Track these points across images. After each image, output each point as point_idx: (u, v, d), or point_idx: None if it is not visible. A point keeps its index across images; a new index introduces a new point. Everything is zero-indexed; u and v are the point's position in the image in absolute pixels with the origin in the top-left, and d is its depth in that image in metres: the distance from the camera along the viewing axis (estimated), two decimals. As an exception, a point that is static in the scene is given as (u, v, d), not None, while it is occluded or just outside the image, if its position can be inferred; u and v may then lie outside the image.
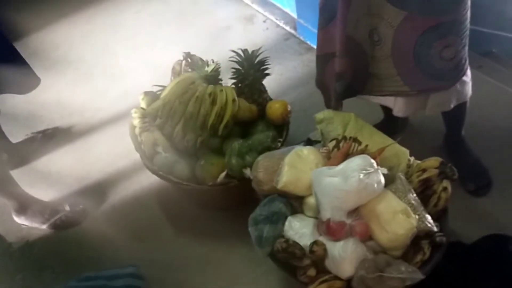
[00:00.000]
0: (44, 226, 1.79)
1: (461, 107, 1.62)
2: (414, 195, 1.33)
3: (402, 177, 1.36)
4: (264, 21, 2.62)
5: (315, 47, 2.35)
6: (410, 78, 1.46)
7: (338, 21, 1.40)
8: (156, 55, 2.52)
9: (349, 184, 1.25)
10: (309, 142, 1.58)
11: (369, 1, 1.37)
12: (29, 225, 1.79)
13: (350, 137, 1.48)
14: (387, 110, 1.76)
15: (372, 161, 1.30)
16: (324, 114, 1.56)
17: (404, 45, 1.39)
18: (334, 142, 1.50)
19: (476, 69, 1.87)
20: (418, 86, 1.47)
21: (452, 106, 1.56)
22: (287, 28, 2.53)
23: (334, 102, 1.58)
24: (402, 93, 1.51)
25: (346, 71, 1.48)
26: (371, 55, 1.46)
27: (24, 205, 1.78)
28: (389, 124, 1.84)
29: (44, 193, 1.89)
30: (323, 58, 1.57)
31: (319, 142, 1.57)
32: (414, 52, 1.39)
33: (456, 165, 1.39)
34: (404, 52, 1.41)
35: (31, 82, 1.84)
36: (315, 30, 2.28)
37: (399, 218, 1.25)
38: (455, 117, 1.71)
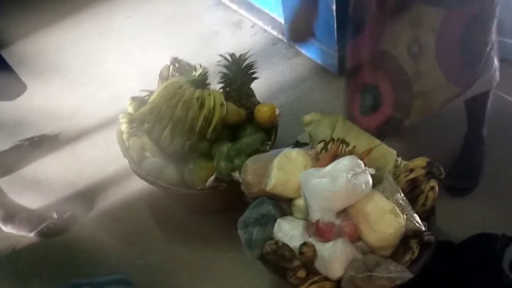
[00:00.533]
0: (32, 234, 1.77)
1: (484, 97, 1.60)
2: (402, 195, 1.34)
3: (390, 177, 1.37)
4: (252, 26, 2.63)
5: (302, 51, 2.39)
6: (460, 78, 1.44)
7: (369, 35, 1.39)
8: (145, 60, 2.52)
9: (337, 185, 1.26)
10: (298, 145, 1.59)
11: (409, 10, 1.34)
12: (16, 233, 1.77)
13: (338, 139, 1.49)
14: None
15: (360, 161, 1.30)
16: (311, 116, 1.57)
17: (450, 44, 1.37)
18: (322, 144, 1.50)
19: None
20: (468, 83, 1.45)
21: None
22: (275, 33, 2.55)
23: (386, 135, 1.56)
24: (453, 97, 1.47)
25: (377, 83, 1.46)
26: (413, 71, 1.42)
27: (11, 213, 1.76)
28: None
29: (32, 201, 1.87)
30: (353, 70, 1.56)
31: (307, 144, 1.58)
32: (460, 48, 1.37)
33: (456, 160, 1.38)
34: (450, 53, 1.39)
35: (17, 88, 1.83)
36: (303, 35, 2.31)
37: (388, 218, 1.26)
38: (476, 107, 1.67)
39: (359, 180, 1.27)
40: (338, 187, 1.26)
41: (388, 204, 1.28)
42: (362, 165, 1.30)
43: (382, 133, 1.55)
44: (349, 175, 1.26)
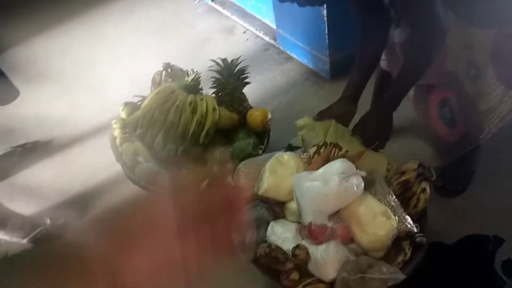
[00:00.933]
0: (24, 241, 1.75)
1: None
2: (394, 197, 1.35)
3: (382, 179, 1.39)
4: (244, 32, 2.65)
5: (294, 56, 2.41)
6: None
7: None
8: (136, 67, 2.52)
9: (329, 188, 1.27)
10: (290, 148, 1.60)
11: (461, 32, 1.34)
12: (9, 239, 1.75)
13: (331, 143, 1.50)
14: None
15: (352, 164, 1.31)
16: (305, 121, 1.58)
17: (506, 62, 1.36)
18: (315, 148, 1.51)
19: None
20: None
21: None
22: (267, 38, 2.56)
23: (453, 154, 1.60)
24: None
25: (449, 98, 1.48)
26: (475, 92, 1.42)
27: (3, 219, 1.74)
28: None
29: (24, 207, 1.85)
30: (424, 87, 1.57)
31: (299, 148, 1.59)
32: None
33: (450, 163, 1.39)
34: (508, 70, 1.38)
35: (10, 94, 1.84)
36: (294, 40, 2.34)
37: (380, 220, 1.27)
38: None
39: (351, 183, 1.28)
40: (330, 190, 1.27)
41: (380, 206, 1.30)
42: (354, 168, 1.31)
43: (462, 147, 1.57)
44: (341, 178, 1.27)
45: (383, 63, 1.71)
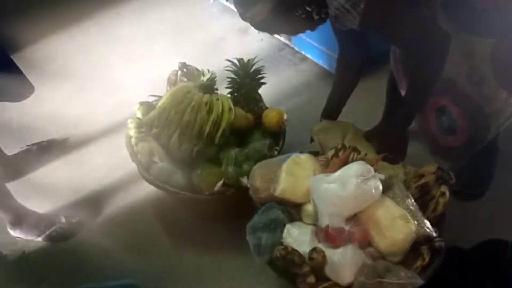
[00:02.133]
0: (40, 239, 1.77)
1: None
2: (412, 200, 1.33)
3: (400, 183, 1.36)
4: (259, 32, 2.63)
5: (309, 56, 2.39)
6: None
7: None
8: (152, 66, 2.53)
9: (347, 190, 1.25)
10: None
11: (460, 41, 1.32)
12: (24, 237, 1.77)
13: (350, 146, 1.48)
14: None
15: (370, 167, 1.30)
16: (321, 125, 1.57)
17: (507, 68, 1.35)
18: (333, 151, 1.50)
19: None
20: None
21: None
22: (281, 38, 2.55)
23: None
24: None
25: (450, 108, 1.47)
26: (479, 96, 1.41)
27: (19, 217, 1.76)
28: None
29: (39, 205, 1.87)
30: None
31: (318, 154, 1.57)
32: None
33: (467, 166, 1.37)
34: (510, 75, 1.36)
35: (25, 90, 1.84)
36: (309, 40, 2.32)
37: (398, 224, 1.25)
38: None
39: (369, 186, 1.26)
40: (348, 193, 1.25)
41: (398, 210, 1.28)
42: (372, 170, 1.29)
43: (466, 150, 1.55)
44: (359, 181, 1.25)
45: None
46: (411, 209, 1.30)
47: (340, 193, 1.26)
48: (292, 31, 1.37)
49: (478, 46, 1.34)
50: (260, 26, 1.31)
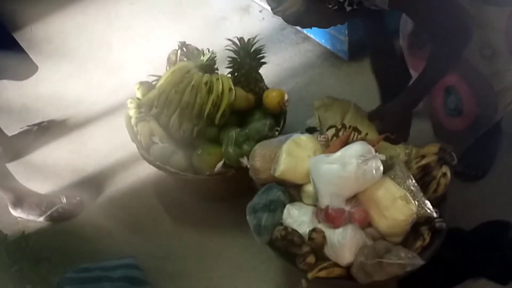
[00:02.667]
0: (41, 219, 1.77)
1: None
2: (413, 181, 1.32)
3: (401, 163, 1.36)
4: (260, 11, 2.60)
5: (311, 36, 2.35)
6: None
7: None
8: (152, 46, 2.50)
9: (347, 171, 1.24)
10: (308, 131, 1.57)
11: (475, 11, 1.30)
12: (26, 217, 1.78)
13: (350, 126, 1.47)
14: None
15: (371, 147, 1.29)
16: (323, 101, 1.55)
17: None
18: (333, 131, 1.49)
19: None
20: None
21: None
22: (284, 17, 2.51)
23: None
24: None
25: (457, 87, 1.45)
26: (490, 72, 1.37)
27: (20, 198, 1.76)
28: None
29: (40, 186, 1.87)
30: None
31: (317, 130, 1.56)
32: None
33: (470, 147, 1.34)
34: None
35: (28, 68, 1.83)
36: (312, 19, 2.28)
37: (399, 204, 1.25)
38: None
39: (370, 166, 1.25)
40: (348, 173, 1.24)
41: (399, 191, 1.27)
42: (373, 151, 1.28)
43: (473, 131, 1.53)
44: (360, 161, 1.24)
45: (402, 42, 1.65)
46: (412, 190, 1.29)
47: (341, 173, 1.25)
48: (323, 24, 1.35)
49: (493, 16, 1.31)
50: (292, 19, 1.29)
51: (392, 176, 1.32)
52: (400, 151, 1.41)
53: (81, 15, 2.78)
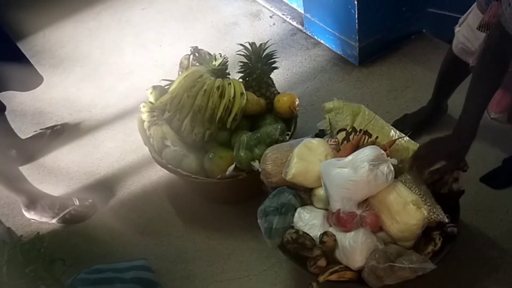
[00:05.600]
0: (54, 221, 1.79)
1: None
2: (425, 186, 1.32)
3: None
4: (271, 17, 2.62)
5: (322, 41, 2.37)
6: None
7: None
8: (163, 51, 2.52)
9: (359, 175, 1.25)
10: (318, 135, 1.58)
11: None
12: (39, 219, 1.80)
13: (361, 129, 1.48)
14: (440, 96, 1.77)
15: (382, 151, 1.29)
16: (333, 103, 1.56)
17: None
18: (343, 134, 1.49)
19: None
20: None
21: None
22: (294, 23, 2.53)
23: None
24: None
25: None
26: None
27: (34, 200, 1.78)
28: (433, 112, 1.84)
29: (53, 188, 1.89)
30: None
31: (327, 134, 1.56)
32: None
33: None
34: None
35: (33, 80, 1.87)
36: (322, 25, 2.30)
37: (410, 209, 1.25)
38: None
39: (381, 170, 1.26)
40: (360, 177, 1.25)
41: (410, 195, 1.27)
42: (384, 155, 1.28)
43: None
44: (371, 165, 1.24)
45: (456, 48, 1.61)
46: (423, 194, 1.29)
47: (352, 177, 1.25)
48: None
49: None
50: None
51: (403, 181, 1.32)
52: (413, 149, 1.41)
53: (94, 21, 2.82)
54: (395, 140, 1.41)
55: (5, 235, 1.58)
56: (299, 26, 2.49)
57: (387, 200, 1.27)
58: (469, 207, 1.54)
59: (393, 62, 2.22)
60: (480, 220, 1.58)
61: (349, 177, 1.26)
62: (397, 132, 1.47)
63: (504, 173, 1.69)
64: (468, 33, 1.53)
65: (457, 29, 1.61)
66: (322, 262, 1.27)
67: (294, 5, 2.57)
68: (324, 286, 1.27)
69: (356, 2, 1.99)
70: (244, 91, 1.68)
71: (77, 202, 1.81)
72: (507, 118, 1.51)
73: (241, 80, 1.79)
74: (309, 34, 2.44)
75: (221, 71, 1.73)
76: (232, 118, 1.65)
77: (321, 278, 1.25)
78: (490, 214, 1.60)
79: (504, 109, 1.48)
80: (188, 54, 1.84)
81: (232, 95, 1.65)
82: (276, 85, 1.86)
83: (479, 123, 1.23)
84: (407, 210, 1.25)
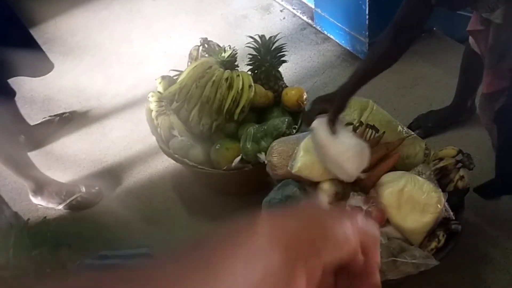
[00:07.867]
0: (60, 207, 1.81)
1: None
2: (436, 182, 1.32)
3: (421, 165, 1.36)
4: (281, 11, 2.62)
5: (331, 37, 2.36)
6: None
7: None
8: (173, 42, 2.53)
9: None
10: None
11: None
12: (45, 205, 1.82)
13: (368, 124, 1.48)
14: (462, 94, 1.77)
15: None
16: None
17: None
18: (350, 128, 1.49)
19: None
20: None
21: None
22: (304, 17, 2.52)
23: None
24: None
25: None
26: None
27: (41, 185, 1.80)
28: (457, 110, 1.83)
29: (60, 175, 1.91)
30: (493, 96, 1.45)
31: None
32: None
33: None
34: None
35: (44, 66, 1.88)
36: (332, 20, 2.29)
37: (431, 197, 1.24)
38: None
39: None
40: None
41: (428, 185, 1.27)
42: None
43: None
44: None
45: (472, 41, 1.58)
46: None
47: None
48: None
49: None
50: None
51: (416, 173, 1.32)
52: (419, 150, 1.41)
53: (105, 11, 2.83)
54: (403, 139, 1.40)
55: (12, 219, 1.60)
56: (309, 21, 2.49)
57: (403, 193, 1.27)
58: (473, 205, 1.54)
59: (402, 59, 2.18)
60: (484, 219, 1.58)
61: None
62: (404, 128, 1.47)
63: (496, 185, 1.67)
64: None
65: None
66: (325, 255, 1.27)
67: (305, 0, 2.57)
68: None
69: (367, -2, 1.99)
70: (252, 84, 1.69)
71: (83, 189, 1.83)
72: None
73: (249, 72, 1.79)
74: (319, 29, 2.43)
75: (230, 63, 1.73)
76: (240, 110, 1.66)
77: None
78: (494, 214, 1.60)
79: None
80: (197, 45, 1.85)
81: (240, 87, 1.65)
82: (284, 78, 1.86)
83: (361, 86, 1.38)
84: (429, 197, 1.24)
